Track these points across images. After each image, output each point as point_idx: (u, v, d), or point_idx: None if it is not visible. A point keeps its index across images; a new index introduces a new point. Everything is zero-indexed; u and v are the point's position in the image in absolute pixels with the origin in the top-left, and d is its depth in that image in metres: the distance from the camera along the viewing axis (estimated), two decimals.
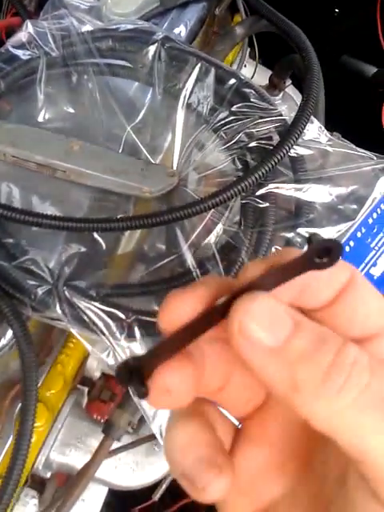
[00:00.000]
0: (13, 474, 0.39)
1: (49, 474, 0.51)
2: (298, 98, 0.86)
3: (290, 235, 0.45)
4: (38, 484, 0.51)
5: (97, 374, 0.58)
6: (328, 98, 0.59)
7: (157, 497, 0.67)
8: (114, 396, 0.58)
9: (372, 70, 1.01)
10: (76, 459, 0.51)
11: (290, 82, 0.80)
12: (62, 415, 0.52)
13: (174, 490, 0.76)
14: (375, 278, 0.49)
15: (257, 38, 0.79)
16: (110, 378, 0.61)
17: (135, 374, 0.18)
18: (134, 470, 0.52)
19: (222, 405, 0.22)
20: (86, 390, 0.56)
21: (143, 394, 0.18)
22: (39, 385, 0.51)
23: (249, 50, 0.81)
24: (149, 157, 0.51)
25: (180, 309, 0.19)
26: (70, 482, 0.46)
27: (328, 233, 0.47)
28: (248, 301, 0.17)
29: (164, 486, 0.67)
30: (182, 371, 0.19)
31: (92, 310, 0.41)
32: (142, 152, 0.51)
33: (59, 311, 0.40)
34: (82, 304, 0.40)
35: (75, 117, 0.54)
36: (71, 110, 0.54)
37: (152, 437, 0.50)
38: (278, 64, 0.75)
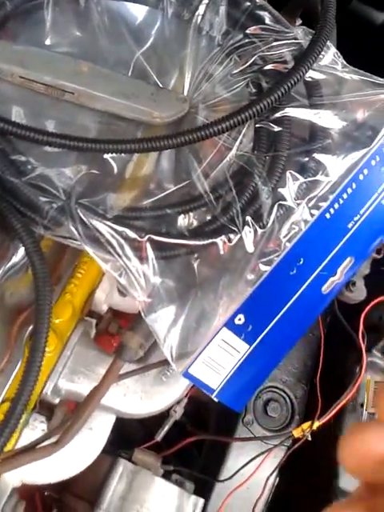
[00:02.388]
0: (21, 396, 0.39)
1: (57, 401, 0.52)
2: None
3: (304, 160, 0.45)
4: (46, 410, 0.52)
5: (104, 308, 0.58)
6: (337, 45, 0.58)
7: (159, 437, 0.69)
8: (121, 329, 0.58)
9: (382, 17, 0.99)
10: (85, 386, 0.51)
11: (301, 21, 0.78)
12: (70, 343, 0.52)
13: (176, 431, 0.78)
14: None
15: None
16: (117, 312, 0.61)
17: None
18: (142, 398, 0.53)
19: None
20: (94, 321, 0.56)
21: None
22: None
23: None
24: (159, 82, 0.50)
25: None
26: (79, 405, 0.47)
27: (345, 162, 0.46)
28: None
29: (166, 427, 0.69)
30: None
31: (105, 229, 0.40)
32: (152, 77, 0.50)
33: (73, 229, 0.39)
34: (95, 223, 0.40)
35: (83, 41, 0.52)
36: (79, 34, 0.52)
37: (161, 363, 0.51)
38: (289, 2, 0.73)
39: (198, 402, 0.74)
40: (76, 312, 0.53)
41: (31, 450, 0.43)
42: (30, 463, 0.43)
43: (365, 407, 0.72)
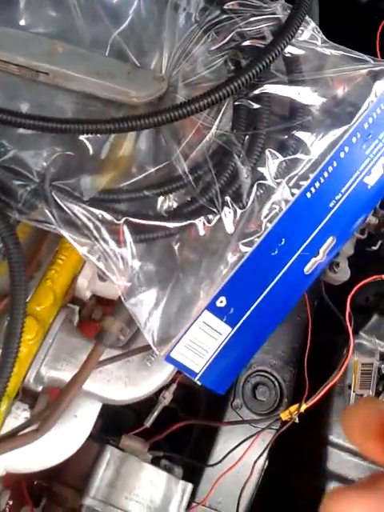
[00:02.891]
0: None
1: (40, 388, 0.51)
2: None
3: (284, 138, 0.44)
4: (29, 398, 0.51)
5: (87, 294, 0.57)
6: (321, 24, 0.57)
7: (149, 423, 0.68)
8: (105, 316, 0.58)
9: None
10: (67, 374, 0.50)
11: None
12: (52, 331, 0.51)
13: (168, 417, 0.78)
14: (369, 187, 0.48)
15: None
16: (100, 298, 0.60)
17: None
18: (126, 383, 0.52)
19: None
20: (76, 308, 0.55)
21: None
22: (28, 299, 0.50)
23: None
24: (137, 62, 0.49)
25: None
26: (60, 392, 0.46)
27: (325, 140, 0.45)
28: None
29: (155, 413, 0.68)
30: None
31: (81, 212, 0.39)
32: (130, 57, 0.49)
33: (47, 212, 0.39)
34: (70, 205, 0.39)
35: (58, 21, 0.51)
36: (54, 14, 0.51)
37: (144, 348, 0.50)
38: None
39: (188, 387, 0.74)
40: (57, 299, 0.52)
41: (12, 438, 0.42)
42: (10, 451, 0.42)
43: (352, 389, 0.72)
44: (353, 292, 0.68)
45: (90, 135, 0.43)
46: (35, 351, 0.50)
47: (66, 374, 0.51)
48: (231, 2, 0.46)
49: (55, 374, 0.51)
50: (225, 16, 0.46)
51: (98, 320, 0.57)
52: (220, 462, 0.72)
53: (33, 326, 0.49)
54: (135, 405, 0.77)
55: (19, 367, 0.49)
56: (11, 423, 0.49)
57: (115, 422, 0.82)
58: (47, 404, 0.50)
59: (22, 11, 0.50)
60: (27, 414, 0.50)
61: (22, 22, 0.50)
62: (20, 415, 0.50)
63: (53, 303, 0.51)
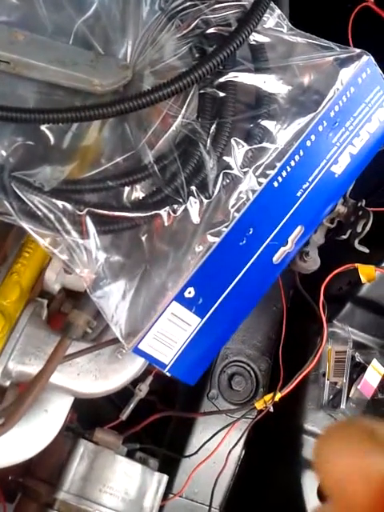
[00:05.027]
0: None
1: (8, 383, 0.50)
2: None
3: (249, 126, 0.43)
4: None
5: (56, 287, 0.57)
6: (294, 14, 0.56)
7: (124, 416, 0.68)
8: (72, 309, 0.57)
9: None
10: (36, 368, 0.50)
11: None
12: (20, 325, 0.50)
13: (147, 409, 0.78)
14: (336, 175, 0.48)
15: None
16: (70, 291, 0.59)
17: None
18: (96, 377, 0.52)
19: None
20: (45, 302, 0.55)
21: None
22: None
23: None
24: (101, 50, 0.48)
25: None
26: (26, 386, 0.45)
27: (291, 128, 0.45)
28: None
29: (131, 406, 0.68)
30: None
31: (42, 203, 0.39)
32: (95, 46, 0.48)
33: (6, 204, 0.38)
34: (31, 196, 0.38)
35: (20, 9, 0.49)
36: (15, 2, 0.49)
37: (114, 341, 0.50)
38: None
39: (166, 378, 0.74)
40: (24, 292, 0.51)
41: None
42: None
43: (326, 377, 0.73)
44: (326, 281, 0.68)
45: (51, 125, 0.42)
46: (2, 346, 0.49)
47: (34, 369, 0.50)
48: None
49: (23, 368, 0.50)
50: (189, 3, 0.45)
51: (67, 313, 0.57)
52: (196, 452, 0.72)
53: None
54: (114, 397, 0.77)
55: None
56: None
57: (94, 416, 0.82)
58: (14, 399, 0.50)
59: None
60: None
61: None
62: None
63: (19, 297, 0.51)
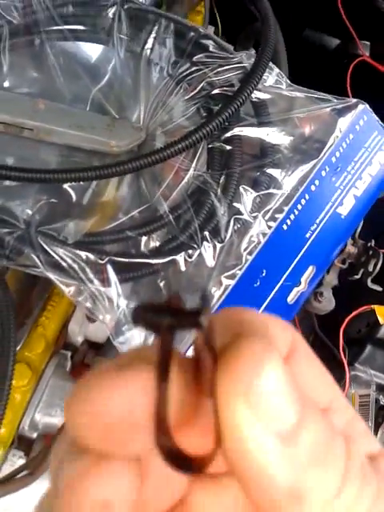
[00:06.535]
0: None
1: (35, 435, 0.51)
2: None
3: (256, 175, 0.46)
4: (24, 445, 0.51)
5: (79, 339, 0.58)
6: (293, 71, 0.61)
7: None
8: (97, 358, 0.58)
9: (335, 42, 1.04)
10: (61, 420, 0.51)
11: (254, 51, 0.82)
12: (45, 377, 0.52)
13: None
14: (342, 217, 0.50)
15: (220, 17, 0.81)
16: (92, 343, 0.61)
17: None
18: None
19: None
20: (68, 353, 0.56)
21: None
22: (20, 346, 0.51)
23: (213, 29, 0.83)
24: (116, 115, 0.52)
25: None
26: (54, 436, 0.46)
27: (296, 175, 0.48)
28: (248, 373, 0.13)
29: None
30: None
31: (66, 254, 0.41)
32: (110, 111, 0.52)
33: (33, 256, 0.40)
34: (56, 249, 0.41)
35: (40, 82, 0.54)
36: (36, 75, 0.54)
37: None
38: (241, 33, 0.77)
39: None
40: (49, 344, 0.53)
41: (5, 483, 0.42)
42: (5, 495, 0.42)
43: None
44: (344, 325, 0.69)
45: (73, 183, 0.45)
46: (29, 398, 0.50)
47: (60, 420, 0.51)
48: (200, 55, 0.50)
49: (49, 420, 0.51)
50: (195, 68, 0.49)
51: (90, 364, 0.58)
52: None
53: (25, 373, 0.49)
54: None
55: (14, 414, 0.49)
56: (7, 471, 0.49)
57: None
58: (42, 450, 0.50)
59: (6, 74, 0.54)
60: (23, 461, 0.50)
61: (6, 84, 0.53)
62: (16, 462, 0.50)
63: (45, 349, 0.52)
